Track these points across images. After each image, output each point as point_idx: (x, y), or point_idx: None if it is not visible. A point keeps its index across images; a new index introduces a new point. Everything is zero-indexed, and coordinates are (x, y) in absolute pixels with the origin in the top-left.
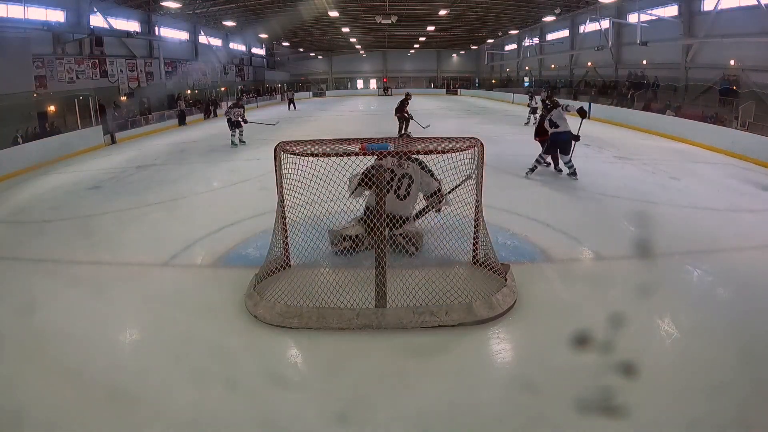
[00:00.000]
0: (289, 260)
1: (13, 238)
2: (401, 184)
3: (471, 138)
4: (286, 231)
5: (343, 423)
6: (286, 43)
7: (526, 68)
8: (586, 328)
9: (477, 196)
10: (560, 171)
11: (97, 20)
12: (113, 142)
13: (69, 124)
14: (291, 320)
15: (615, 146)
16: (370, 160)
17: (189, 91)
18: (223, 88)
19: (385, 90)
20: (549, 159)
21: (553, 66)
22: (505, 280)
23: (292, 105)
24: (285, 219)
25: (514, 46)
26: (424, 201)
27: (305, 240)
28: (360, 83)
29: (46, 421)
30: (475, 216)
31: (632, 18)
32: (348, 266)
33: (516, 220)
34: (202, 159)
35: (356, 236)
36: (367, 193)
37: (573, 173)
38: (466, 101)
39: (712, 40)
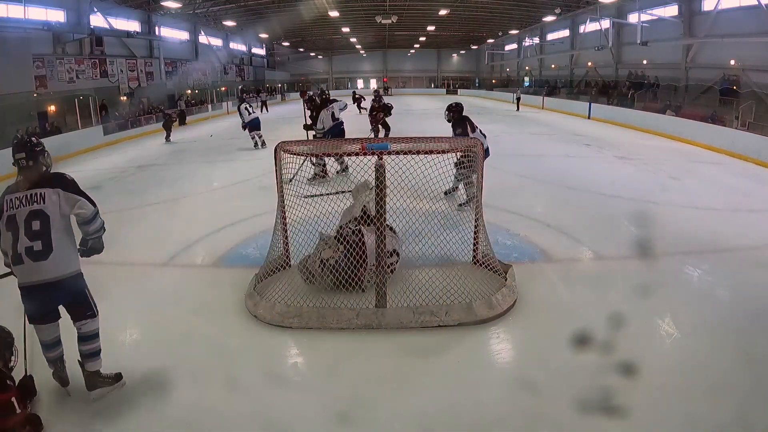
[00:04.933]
0: (289, 260)
1: None
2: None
3: (471, 138)
4: (286, 231)
5: (343, 423)
6: (286, 43)
7: (527, 68)
8: (586, 328)
9: (477, 196)
10: None
11: (97, 20)
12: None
13: (69, 124)
14: (291, 320)
15: (615, 146)
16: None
17: (189, 91)
18: (223, 88)
19: (385, 90)
20: None
21: (553, 66)
22: (506, 279)
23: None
24: (285, 219)
25: (514, 46)
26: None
27: (305, 240)
28: (360, 83)
29: (45, 421)
30: (475, 216)
31: (632, 18)
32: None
33: (516, 220)
34: (202, 159)
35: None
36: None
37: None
38: (466, 101)
39: (712, 40)
